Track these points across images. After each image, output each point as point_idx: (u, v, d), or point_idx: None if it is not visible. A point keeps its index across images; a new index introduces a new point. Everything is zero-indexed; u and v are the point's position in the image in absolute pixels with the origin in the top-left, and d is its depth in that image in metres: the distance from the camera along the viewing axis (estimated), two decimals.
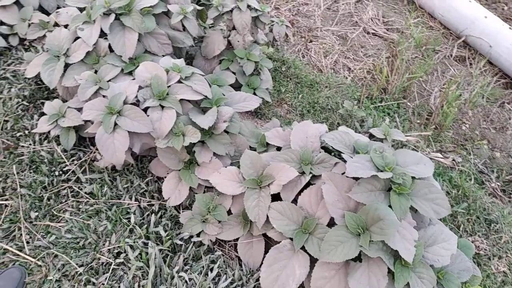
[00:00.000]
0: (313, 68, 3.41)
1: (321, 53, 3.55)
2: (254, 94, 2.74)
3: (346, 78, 3.34)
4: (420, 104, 3.20)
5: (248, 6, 2.67)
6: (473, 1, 3.77)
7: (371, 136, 2.36)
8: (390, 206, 1.61)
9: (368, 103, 3.07)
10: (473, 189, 2.56)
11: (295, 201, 1.82)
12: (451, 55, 3.68)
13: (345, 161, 1.78)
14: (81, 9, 2.63)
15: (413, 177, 1.71)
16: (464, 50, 3.75)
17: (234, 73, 2.76)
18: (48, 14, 2.87)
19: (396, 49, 3.49)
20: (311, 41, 3.66)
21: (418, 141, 2.76)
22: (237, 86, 2.74)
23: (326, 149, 2.04)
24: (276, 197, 1.82)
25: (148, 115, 1.97)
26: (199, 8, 2.64)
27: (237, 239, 1.92)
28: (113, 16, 2.19)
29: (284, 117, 2.86)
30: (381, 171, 1.70)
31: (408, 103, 3.19)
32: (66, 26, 2.48)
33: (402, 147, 2.67)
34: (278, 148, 2.15)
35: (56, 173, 2.13)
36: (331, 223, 1.70)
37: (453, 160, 2.77)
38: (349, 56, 3.56)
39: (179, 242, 1.89)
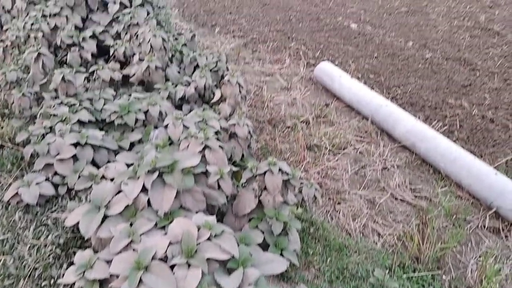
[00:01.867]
0: (341, 230, 3.40)
1: (350, 216, 3.58)
2: (281, 255, 2.70)
3: (376, 243, 3.28)
4: (457, 277, 3.02)
5: (280, 169, 2.87)
6: (498, 173, 3.85)
7: None
8: None
9: (400, 273, 2.93)
10: None
11: None
12: (484, 226, 3.61)
13: None
14: (129, 165, 2.91)
15: None
16: (497, 221, 3.68)
17: (262, 232, 2.79)
18: (98, 167, 3.16)
19: (425, 216, 3.49)
20: (339, 203, 3.75)
21: None
22: (264, 246, 2.73)
23: None
24: None
25: (173, 272, 1.96)
26: (235, 169, 2.85)
27: None
28: (156, 173, 2.40)
29: (311, 282, 2.74)
30: None
31: (443, 276, 3.01)
32: (112, 180, 2.70)
33: None
34: None
35: None
36: None
37: None
38: (378, 221, 3.56)
39: None
